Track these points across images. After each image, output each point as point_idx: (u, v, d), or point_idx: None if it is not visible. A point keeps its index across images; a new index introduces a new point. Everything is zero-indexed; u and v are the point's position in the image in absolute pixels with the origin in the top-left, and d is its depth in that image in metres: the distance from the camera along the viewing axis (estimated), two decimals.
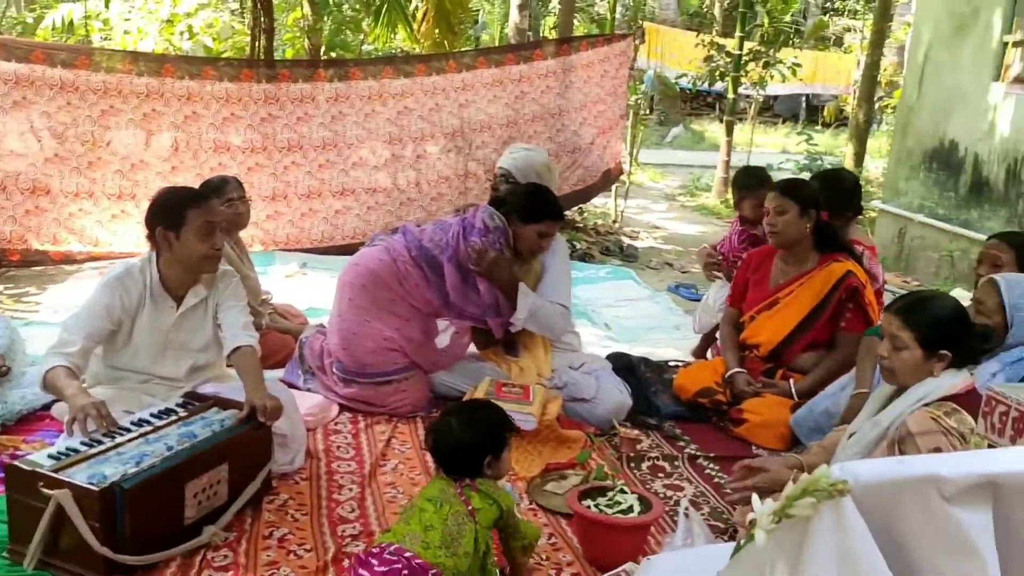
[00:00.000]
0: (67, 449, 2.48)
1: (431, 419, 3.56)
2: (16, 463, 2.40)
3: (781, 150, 14.33)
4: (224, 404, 2.88)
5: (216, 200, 3.07)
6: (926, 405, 2.30)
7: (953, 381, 2.35)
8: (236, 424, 2.73)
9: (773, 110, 20.17)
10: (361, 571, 2.12)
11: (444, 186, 7.05)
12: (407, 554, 2.10)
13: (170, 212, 2.91)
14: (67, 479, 2.31)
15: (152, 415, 2.76)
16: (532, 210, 3.60)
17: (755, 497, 1.14)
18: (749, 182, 4.42)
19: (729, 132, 10.30)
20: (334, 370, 3.67)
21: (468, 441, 2.29)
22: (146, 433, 2.62)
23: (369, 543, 2.54)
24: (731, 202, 10.16)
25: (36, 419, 3.31)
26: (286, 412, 2.87)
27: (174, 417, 2.76)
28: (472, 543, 2.17)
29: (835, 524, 1.04)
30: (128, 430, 2.63)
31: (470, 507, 2.21)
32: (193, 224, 2.89)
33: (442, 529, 2.15)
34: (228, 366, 3.22)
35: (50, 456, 2.44)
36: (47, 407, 3.29)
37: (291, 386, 3.56)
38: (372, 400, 3.63)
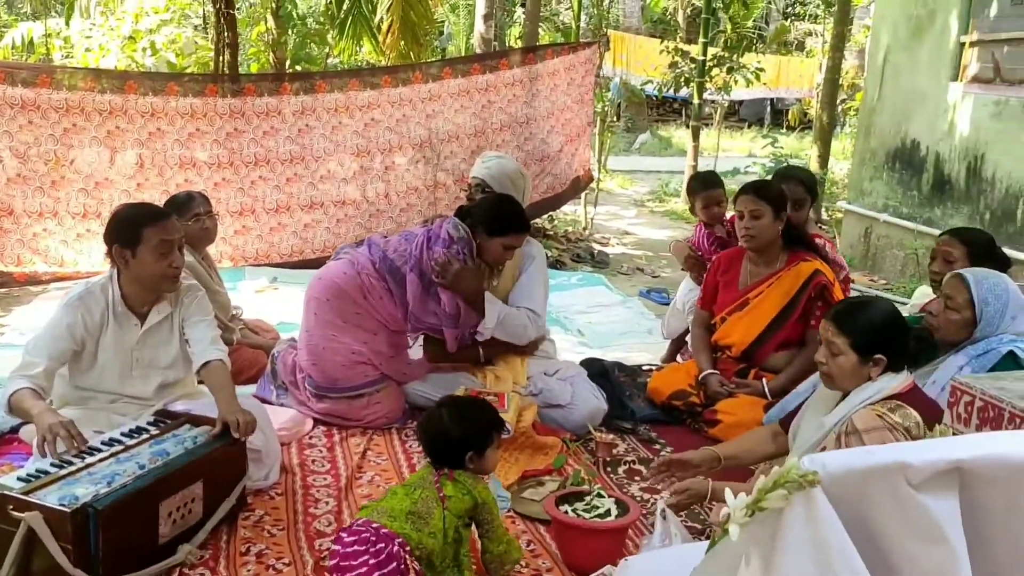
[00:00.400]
0: (37, 471, 2.44)
1: (407, 430, 3.58)
2: None
3: (747, 154, 14.48)
4: (196, 421, 2.85)
5: (174, 218, 3.02)
6: (870, 404, 2.37)
7: (893, 383, 2.42)
8: (210, 440, 2.71)
9: (738, 115, 20.41)
10: (334, 547, 2.26)
11: (413, 197, 7.05)
12: (374, 524, 2.23)
13: (126, 230, 2.87)
14: (38, 501, 2.27)
15: (123, 434, 2.72)
16: (498, 223, 3.58)
17: (728, 491, 1.16)
18: (698, 186, 4.52)
19: (696, 137, 10.39)
20: (306, 385, 3.65)
21: (454, 433, 2.40)
22: (117, 452, 2.59)
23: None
24: None
25: (3, 442, 3.26)
26: (260, 427, 2.84)
27: (145, 436, 2.72)
28: (440, 525, 2.27)
29: (807, 515, 1.06)
30: (99, 450, 2.59)
31: (442, 493, 2.31)
32: (149, 243, 2.84)
33: (409, 507, 2.29)
34: (199, 383, 3.20)
35: (19, 479, 2.40)
36: (15, 430, 3.24)
37: (264, 401, 3.53)
38: (346, 414, 3.61)
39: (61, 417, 2.60)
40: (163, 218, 2.96)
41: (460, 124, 7.16)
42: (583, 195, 8.56)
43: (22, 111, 5.55)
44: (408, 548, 2.20)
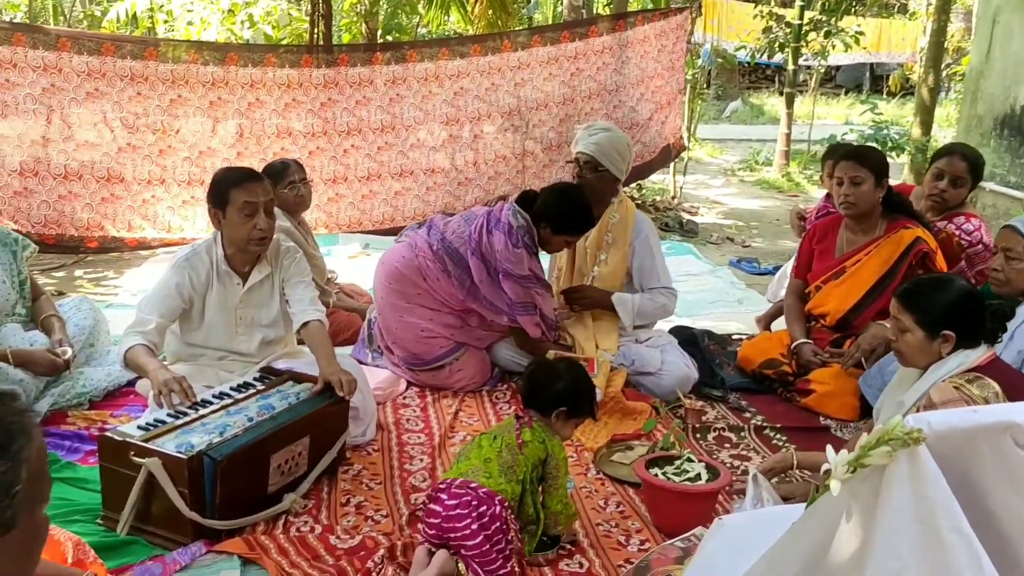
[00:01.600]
0: (154, 420, 2.60)
1: (497, 392, 3.65)
2: (108, 434, 2.53)
3: (844, 121, 14.00)
4: (298, 378, 2.98)
5: (264, 182, 3.08)
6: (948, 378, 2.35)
7: (971, 357, 2.39)
8: (313, 398, 2.83)
9: (835, 81, 19.71)
10: (432, 507, 2.28)
11: (502, 165, 7.09)
12: (472, 484, 2.26)
13: (217, 191, 3.00)
14: (157, 448, 2.42)
15: (232, 389, 2.87)
16: (565, 220, 3.54)
17: (829, 448, 1.16)
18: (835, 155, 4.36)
19: (789, 104, 10.12)
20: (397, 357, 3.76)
21: (560, 382, 2.45)
22: (227, 405, 2.73)
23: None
24: (792, 175, 10.06)
25: (121, 395, 3.46)
26: (358, 386, 2.95)
27: (252, 391, 2.86)
28: (524, 471, 2.33)
29: (910, 472, 1.06)
30: (210, 403, 2.74)
31: (520, 439, 2.36)
32: (235, 203, 2.96)
33: (498, 460, 2.33)
34: (299, 342, 3.33)
35: (139, 427, 2.56)
36: (131, 383, 3.45)
37: (360, 363, 3.65)
38: (432, 382, 3.70)
39: (174, 373, 2.75)
40: (249, 180, 3.02)
41: (549, 92, 7.14)
42: (672, 164, 8.45)
43: (131, 83, 5.81)
44: (507, 504, 2.25)
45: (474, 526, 2.19)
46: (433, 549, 2.25)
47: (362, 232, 6.56)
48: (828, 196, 4.39)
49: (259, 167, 4.51)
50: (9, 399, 1.20)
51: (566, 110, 7.24)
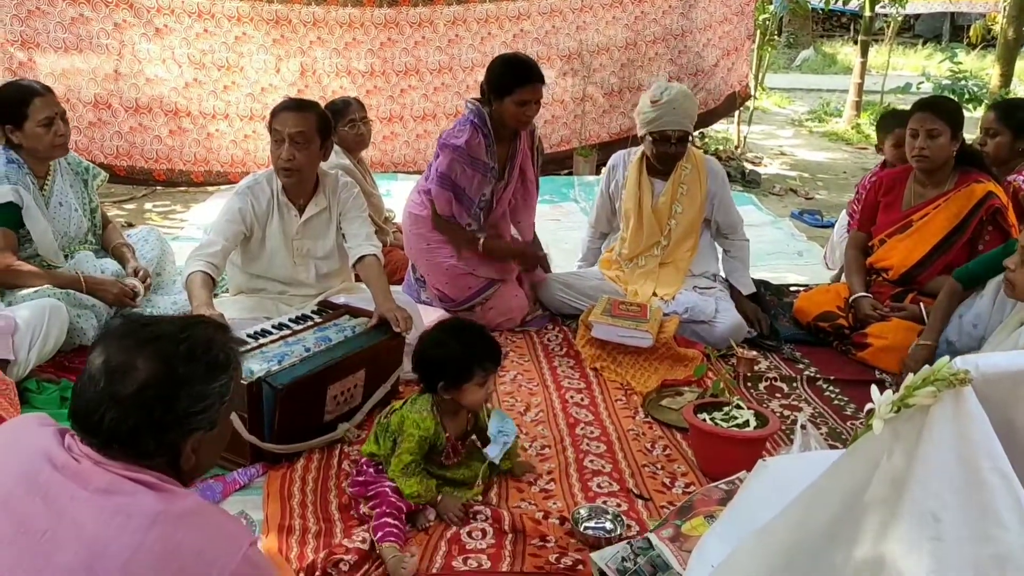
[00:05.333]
0: None
1: (549, 334, 3.69)
2: None
3: (920, 72, 13.47)
4: (355, 312, 3.05)
5: (290, 112, 3.03)
6: None
7: None
8: (370, 332, 2.89)
9: (913, 30, 18.95)
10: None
11: (559, 108, 7.02)
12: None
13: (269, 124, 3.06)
14: None
15: (291, 320, 2.96)
16: (501, 83, 3.51)
17: (874, 388, 1.16)
18: (893, 121, 4.20)
19: (864, 53, 9.76)
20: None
21: (430, 357, 2.36)
22: (285, 336, 2.82)
23: None
24: (862, 127, 9.75)
25: None
26: (414, 323, 3.01)
27: (310, 323, 2.94)
28: (382, 437, 2.39)
29: (955, 412, 1.05)
30: (270, 333, 2.83)
31: (391, 410, 2.42)
32: (270, 131, 3.04)
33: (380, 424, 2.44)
34: (356, 279, 3.40)
35: None
36: None
37: None
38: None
39: (214, 310, 2.78)
40: (281, 110, 3.04)
41: (611, 36, 7.02)
42: (736, 113, 8.27)
43: (199, 19, 5.91)
44: (373, 463, 2.39)
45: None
46: None
47: (416, 172, 6.59)
48: (884, 164, 4.25)
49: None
50: (225, 329, 1.53)
51: (628, 55, 7.11)
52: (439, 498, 2.31)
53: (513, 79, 3.49)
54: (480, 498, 2.43)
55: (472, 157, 3.56)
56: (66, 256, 3.45)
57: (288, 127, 2.98)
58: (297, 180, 3.09)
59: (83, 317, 3.23)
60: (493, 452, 2.39)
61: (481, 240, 3.68)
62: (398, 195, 5.85)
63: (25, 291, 3.17)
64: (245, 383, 2.45)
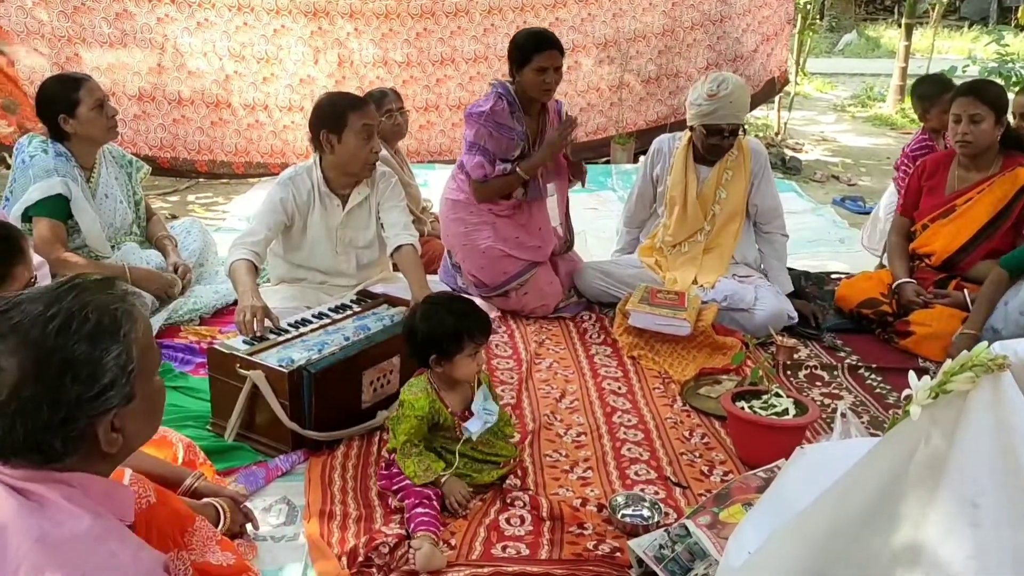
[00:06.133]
0: (258, 336, 2.74)
1: (587, 323, 3.68)
2: (216, 347, 2.69)
3: (966, 55, 13.15)
4: (393, 302, 3.08)
5: (371, 106, 3.20)
6: None
7: None
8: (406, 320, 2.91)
9: (959, 12, 18.48)
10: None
11: (594, 96, 6.98)
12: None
13: (333, 116, 3.07)
14: (260, 361, 2.56)
15: (330, 309, 3.00)
16: (520, 54, 3.55)
17: (912, 373, 1.15)
18: (935, 90, 4.17)
19: (908, 36, 9.55)
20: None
21: (419, 332, 2.36)
22: (326, 325, 2.86)
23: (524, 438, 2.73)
24: (907, 112, 9.56)
25: (228, 312, 3.64)
26: None
27: (349, 312, 2.98)
28: (393, 424, 2.38)
29: (993, 398, 1.04)
30: (310, 322, 2.87)
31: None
32: (354, 127, 3.04)
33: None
34: (394, 268, 3.43)
35: (244, 342, 2.70)
36: (237, 302, 3.62)
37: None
38: (507, 307, 3.79)
39: (256, 300, 2.83)
40: (365, 104, 3.15)
41: (648, 23, 6.96)
42: (777, 99, 8.16)
43: (238, 13, 5.99)
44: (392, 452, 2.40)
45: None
46: None
47: (452, 162, 6.61)
48: (925, 130, 4.19)
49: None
50: (108, 285, 1.27)
51: (666, 42, 7.05)
52: (443, 480, 2.31)
53: (531, 47, 3.53)
54: (518, 481, 2.45)
55: (498, 123, 3.58)
56: (112, 247, 3.54)
57: (377, 120, 3.16)
58: (373, 171, 3.19)
59: None
60: (473, 428, 2.36)
61: (518, 169, 3.64)
62: (435, 185, 5.88)
63: None
64: (286, 371, 2.50)
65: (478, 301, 3.71)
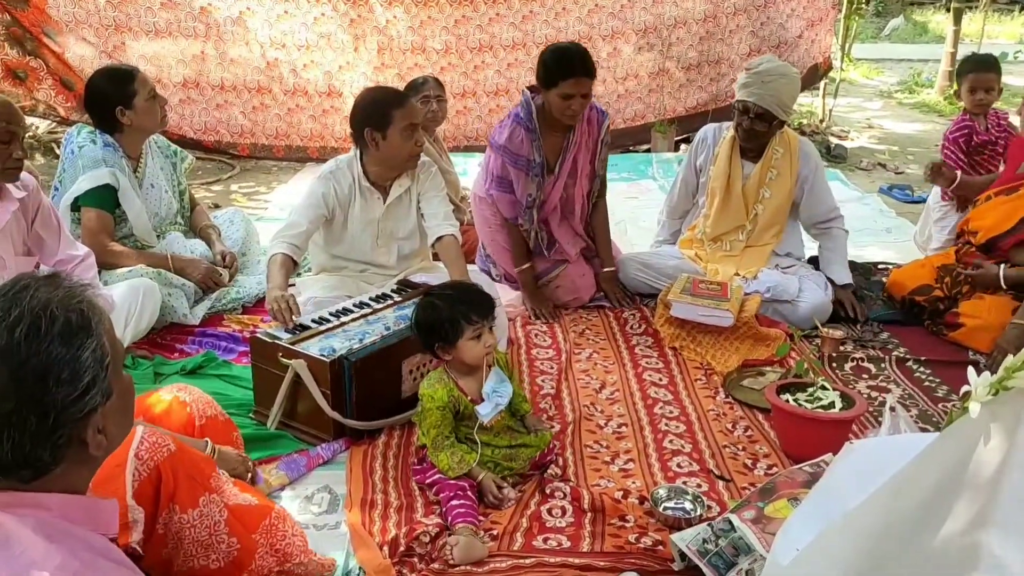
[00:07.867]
0: (301, 325, 2.76)
1: (627, 313, 3.65)
2: (259, 336, 2.71)
3: (1018, 40, 12.81)
4: None
5: (414, 100, 3.20)
6: None
7: None
8: None
9: None
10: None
11: (632, 83, 6.90)
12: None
13: (378, 114, 3.04)
14: (302, 351, 2.58)
15: (371, 299, 3.00)
16: (546, 75, 3.44)
17: (971, 369, 1.11)
18: (968, 66, 4.19)
19: (957, 21, 9.32)
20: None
21: (420, 322, 2.38)
22: (367, 314, 2.87)
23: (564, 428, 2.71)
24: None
25: None
26: None
27: (390, 302, 2.99)
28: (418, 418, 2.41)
29: None
30: (351, 312, 2.88)
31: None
32: (398, 124, 3.02)
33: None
34: (434, 258, 3.43)
35: (286, 331, 2.72)
36: None
37: None
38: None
39: (284, 293, 2.84)
40: (407, 100, 3.14)
41: (689, 9, 6.85)
42: (821, 85, 8.01)
43: (280, 1, 6.06)
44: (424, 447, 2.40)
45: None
46: None
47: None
48: (966, 112, 4.12)
49: (396, 81, 4.60)
50: (58, 280, 1.18)
51: (707, 28, 6.94)
52: (480, 477, 2.31)
53: (558, 73, 3.40)
54: (559, 471, 2.45)
55: (515, 155, 3.55)
56: (158, 236, 3.58)
57: (419, 116, 3.17)
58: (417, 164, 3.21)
59: (174, 295, 3.35)
60: (484, 411, 2.35)
61: (525, 267, 3.69)
62: (474, 174, 5.88)
63: (120, 271, 3.30)
64: (327, 360, 2.51)
65: (511, 293, 3.73)
